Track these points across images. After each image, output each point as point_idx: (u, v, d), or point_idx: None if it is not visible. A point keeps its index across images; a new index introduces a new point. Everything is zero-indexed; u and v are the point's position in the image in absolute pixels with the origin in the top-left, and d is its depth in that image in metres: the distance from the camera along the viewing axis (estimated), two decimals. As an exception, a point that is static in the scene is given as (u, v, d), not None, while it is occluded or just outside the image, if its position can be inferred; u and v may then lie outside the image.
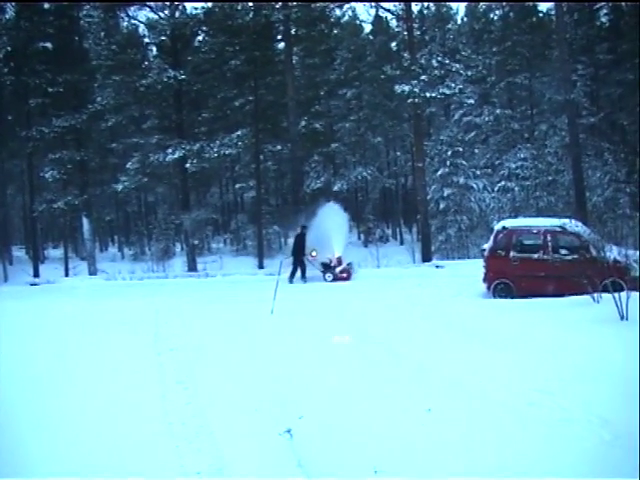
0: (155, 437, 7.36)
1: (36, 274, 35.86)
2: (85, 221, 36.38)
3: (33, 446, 7.33)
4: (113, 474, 6.41)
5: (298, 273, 26.83)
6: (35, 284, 31.50)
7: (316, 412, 7.91)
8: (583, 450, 6.39)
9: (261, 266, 35.79)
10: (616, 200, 36.58)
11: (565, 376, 8.98)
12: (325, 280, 26.35)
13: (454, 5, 58.37)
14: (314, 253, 27.02)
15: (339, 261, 26.88)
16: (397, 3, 34.92)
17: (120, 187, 36.72)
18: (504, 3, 49.55)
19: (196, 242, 38.36)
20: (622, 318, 12.64)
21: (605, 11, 46.53)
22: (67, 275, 36.60)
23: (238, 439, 7.21)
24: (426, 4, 51.53)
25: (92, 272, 35.62)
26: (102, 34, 39.90)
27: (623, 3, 43.13)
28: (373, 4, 37.63)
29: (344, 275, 26.56)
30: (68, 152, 35.44)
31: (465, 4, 57.14)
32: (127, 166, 36.57)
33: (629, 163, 39.60)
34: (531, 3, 48.29)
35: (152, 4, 36.58)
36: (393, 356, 11.00)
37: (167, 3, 36.19)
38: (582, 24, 44.21)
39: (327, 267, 26.78)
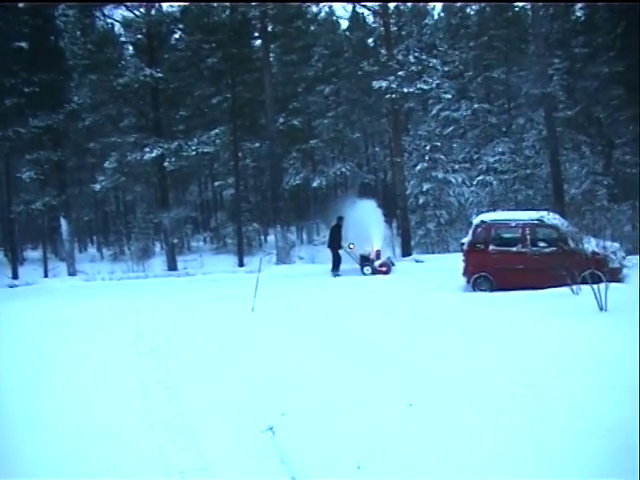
0: (137, 437, 7.34)
1: (15, 276, 35.63)
2: (63, 222, 36.14)
3: (11, 448, 7.30)
4: (95, 475, 6.39)
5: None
6: (14, 286, 31.28)
7: (298, 409, 7.92)
8: (563, 440, 6.43)
9: (241, 264, 35.76)
10: (594, 192, 36.77)
11: (545, 368, 9.03)
12: (364, 273, 26.21)
13: (430, 0, 58.41)
14: (352, 246, 26.95)
15: (378, 254, 26.78)
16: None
17: (98, 187, 36.62)
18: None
19: (175, 241, 38.30)
20: (601, 309, 12.74)
21: (580, 5, 46.78)
22: (46, 276, 36.39)
23: (220, 437, 7.21)
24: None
25: (71, 273, 35.42)
26: (78, 33, 39.62)
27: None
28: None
29: (383, 269, 26.30)
30: (45, 152, 35.13)
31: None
32: (105, 165, 36.47)
33: (606, 156, 39.88)
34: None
35: (127, 2, 36.45)
36: (374, 351, 11.02)
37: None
38: (558, 18, 44.42)
39: (366, 260, 26.61)
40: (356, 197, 33.54)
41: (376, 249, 26.78)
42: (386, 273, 26.08)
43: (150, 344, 12.62)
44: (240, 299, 17.75)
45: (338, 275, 26.58)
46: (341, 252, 27.10)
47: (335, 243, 27.04)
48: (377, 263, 26.35)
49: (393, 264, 27.43)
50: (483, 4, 50.07)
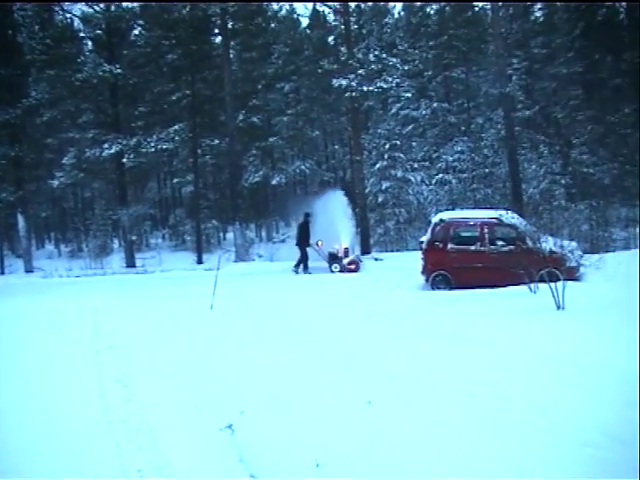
0: (94, 436, 7.28)
1: (-29, 272, 35.35)
2: (21, 218, 35.81)
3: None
4: (52, 475, 6.33)
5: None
6: (-31, 282, 30.97)
7: (257, 407, 7.90)
8: (521, 436, 6.49)
9: (200, 261, 35.74)
10: (551, 192, 37.10)
11: (503, 366, 9.08)
12: (332, 271, 26.20)
13: (391, -1, 58.58)
14: (320, 243, 26.84)
15: (346, 252, 26.71)
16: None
17: (56, 183, 36.32)
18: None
19: (134, 238, 38.14)
20: (559, 308, 12.84)
21: (539, 6, 47.28)
22: (3, 273, 36.13)
23: (179, 435, 7.17)
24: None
25: (28, 270, 35.14)
26: (36, 28, 39.23)
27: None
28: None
29: (352, 267, 26.29)
30: (2, 148, 34.81)
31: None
32: (63, 161, 36.30)
33: (564, 155, 40.27)
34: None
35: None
36: (332, 349, 11.02)
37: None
38: (517, 18, 44.79)
39: (334, 258, 26.53)
40: (317, 195, 33.52)
41: (344, 247, 26.77)
42: (355, 271, 26.10)
43: (108, 342, 12.53)
44: (199, 297, 17.76)
45: (309, 273, 26.56)
46: (309, 249, 27.09)
47: (303, 240, 26.96)
48: (345, 261, 26.34)
49: (362, 262, 27.52)
50: (443, 4, 50.37)
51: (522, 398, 7.64)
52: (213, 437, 7.05)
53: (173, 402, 8.39)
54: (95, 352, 11.72)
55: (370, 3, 55.41)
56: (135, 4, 38.38)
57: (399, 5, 59.72)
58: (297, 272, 26.79)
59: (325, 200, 29.35)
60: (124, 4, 37.91)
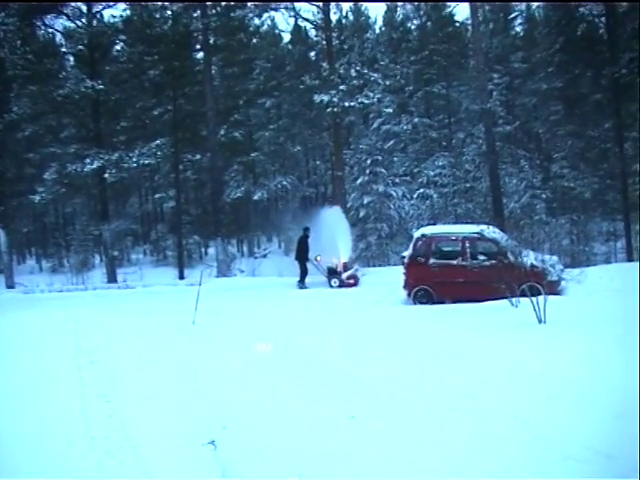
0: (76, 452, 7.25)
1: (-49, 288, 35.06)
2: (2, 233, 35.57)
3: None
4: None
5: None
6: (-51, 298, 30.71)
7: (239, 422, 7.89)
8: (504, 450, 6.50)
9: (182, 276, 35.64)
10: (532, 206, 37.30)
11: (486, 380, 9.10)
12: (331, 286, 26.05)
13: (372, 14, 58.90)
14: (319, 257, 26.77)
15: (345, 267, 26.65)
16: (316, 11, 35.15)
17: (37, 198, 36.10)
18: (422, 13, 50.24)
19: (115, 253, 37.99)
20: (540, 322, 12.89)
21: (520, 21, 47.61)
22: (-17, 289, 35.88)
23: (162, 451, 7.15)
24: (344, 12, 51.95)
25: (9, 285, 34.90)
26: (18, 43, 39.10)
27: (536, 13, 44.28)
28: (292, 13, 37.60)
29: (351, 281, 26.18)
30: (-17, 163, 34.76)
31: (383, 14, 57.76)
32: (44, 176, 36.04)
33: (544, 170, 40.48)
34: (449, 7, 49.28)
35: (69, 12, 36.09)
36: (315, 365, 11.02)
37: (84, 11, 35.79)
38: (497, 33, 45.05)
39: (333, 272, 26.47)
40: (300, 210, 33.52)
41: (343, 261, 26.72)
42: (354, 285, 26.03)
43: (90, 357, 12.47)
44: (181, 312, 17.68)
45: (304, 287, 26.49)
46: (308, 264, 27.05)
47: (302, 255, 26.91)
48: (344, 275, 26.25)
49: (361, 276, 27.48)
50: (424, 19, 50.61)
51: (505, 412, 7.67)
52: (196, 452, 7.04)
53: (156, 418, 8.37)
54: (77, 367, 11.66)
55: (351, 17, 55.67)
56: (117, 19, 38.40)
57: (380, 20, 59.97)
58: (302, 287, 26.72)
59: (323, 215, 29.31)
60: (106, 20, 38.02)
